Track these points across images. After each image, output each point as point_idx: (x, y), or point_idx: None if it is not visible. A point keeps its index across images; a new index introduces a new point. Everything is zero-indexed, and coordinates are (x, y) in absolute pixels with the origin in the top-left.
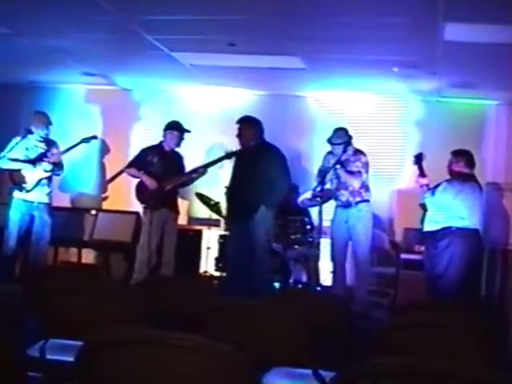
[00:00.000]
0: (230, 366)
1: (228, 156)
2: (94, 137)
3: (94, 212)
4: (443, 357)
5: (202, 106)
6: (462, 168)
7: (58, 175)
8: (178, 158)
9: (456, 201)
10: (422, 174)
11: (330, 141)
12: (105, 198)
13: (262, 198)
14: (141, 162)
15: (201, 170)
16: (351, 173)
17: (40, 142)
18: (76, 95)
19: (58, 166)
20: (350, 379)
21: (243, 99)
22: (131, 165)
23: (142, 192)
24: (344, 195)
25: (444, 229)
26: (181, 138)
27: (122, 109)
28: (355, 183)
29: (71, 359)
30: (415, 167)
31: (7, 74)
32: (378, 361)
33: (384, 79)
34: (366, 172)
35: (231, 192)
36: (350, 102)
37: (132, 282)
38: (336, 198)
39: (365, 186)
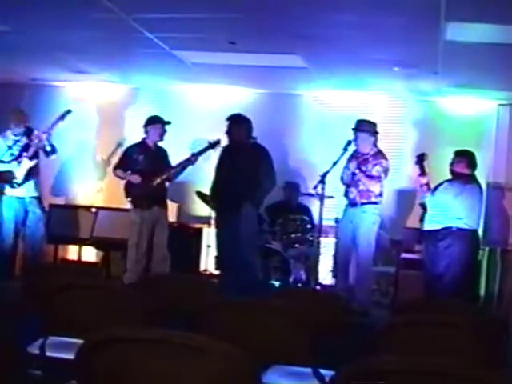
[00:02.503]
0: (230, 365)
1: (212, 146)
2: (68, 111)
3: (93, 210)
4: (443, 356)
5: (203, 105)
6: (464, 169)
7: (49, 155)
8: (163, 153)
9: (456, 201)
10: (422, 173)
11: (354, 128)
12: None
13: (247, 195)
14: (127, 162)
15: (186, 163)
16: (371, 177)
17: (20, 136)
18: (76, 93)
19: (44, 150)
20: (349, 378)
21: (244, 98)
22: (117, 166)
23: (131, 193)
24: (352, 193)
25: (445, 229)
26: (164, 131)
27: (122, 107)
28: (375, 188)
29: (71, 357)
30: (416, 167)
31: (8, 72)
32: (377, 360)
33: (385, 79)
34: (386, 177)
35: (217, 188)
36: (351, 101)
37: (125, 280)
38: (345, 195)
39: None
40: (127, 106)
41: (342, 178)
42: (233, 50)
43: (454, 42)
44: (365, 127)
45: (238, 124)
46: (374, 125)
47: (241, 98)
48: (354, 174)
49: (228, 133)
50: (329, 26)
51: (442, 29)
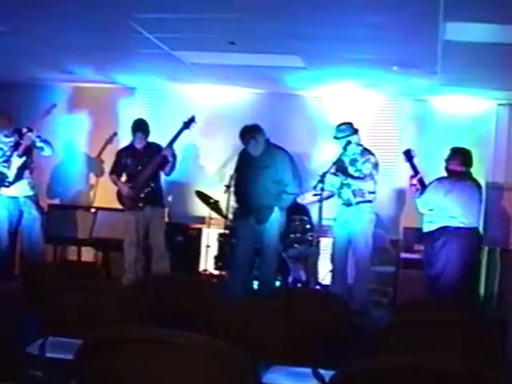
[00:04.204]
0: (230, 365)
1: (186, 125)
2: (54, 105)
3: (92, 210)
4: (442, 355)
5: (202, 105)
6: (457, 166)
7: (43, 150)
8: (153, 151)
9: (447, 200)
10: (414, 171)
11: (334, 137)
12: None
13: (276, 201)
14: (119, 167)
15: (165, 152)
16: (362, 178)
17: (10, 136)
18: (76, 93)
19: (36, 146)
20: (349, 378)
21: (243, 98)
22: (112, 171)
23: (121, 197)
24: (346, 193)
25: (440, 228)
26: (145, 138)
27: (121, 107)
28: (369, 187)
29: (71, 357)
30: (407, 164)
31: (7, 72)
32: (377, 359)
33: (384, 78)
34: (377, 173)
35: (243, 193)
36: (350, 101)
37: (124, 282)
38: (339, 196)
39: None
40: (126, 106)
41: (332, 185)
42: (232, 50)
43: (453, 41)
44: (345, 132)
45: (249, 134)
46: (351, 124)
47: (240, 98)
48: (346, 184)
49: (251, 146)
50: (328, 26)
51: (440, 28)
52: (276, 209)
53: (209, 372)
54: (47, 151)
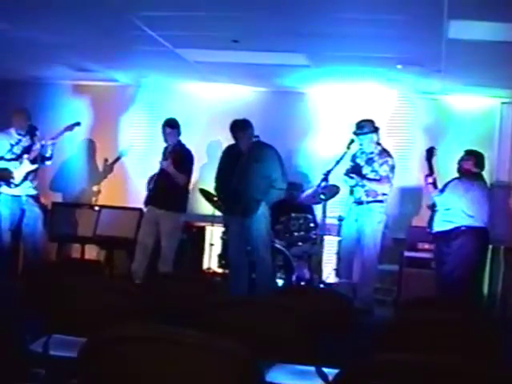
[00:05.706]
0: (233, 363)
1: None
2: (77, 123)
3: (96, 208)
4: (446, 353)
5: (206, 103)
6: (471, 166)
7: (44, 160)
8: (174, 151)
9: (465, 199)
10: (430, 171)
11: (354, 132)
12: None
13: (263, 196)
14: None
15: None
16: (379, 180)
17: (23, 136)
18: (78, 91)
19: (43, 156)
20: (353, 376)
21: (247, 96)
22: None
23: None
24: (359, 192)
25: (456, 228)
26: (163, 131)
27: (125, 105)
28: (384, 189)
29: (74, 355)
30: (425, 163)
31: (10, 70)
32: (381, 358)
33: (388, 77)
34: (393, 175)
35: (230, 190)
36: (354, 99)
37: (135, 279)
38: (351, 193)
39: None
40: (129, 104)
41: (345, 181)
42: (236, 48)
43: (457, 39)
44: (366, 129)
45: (243, 130)
46: (372, 122)
47: (243, 96)
48: (361, 185)
49: (237, 141)
50: (332, 24)
51: (444, 27)
52: (263, 204)
53: (212, 370)
54: (48, 162)
